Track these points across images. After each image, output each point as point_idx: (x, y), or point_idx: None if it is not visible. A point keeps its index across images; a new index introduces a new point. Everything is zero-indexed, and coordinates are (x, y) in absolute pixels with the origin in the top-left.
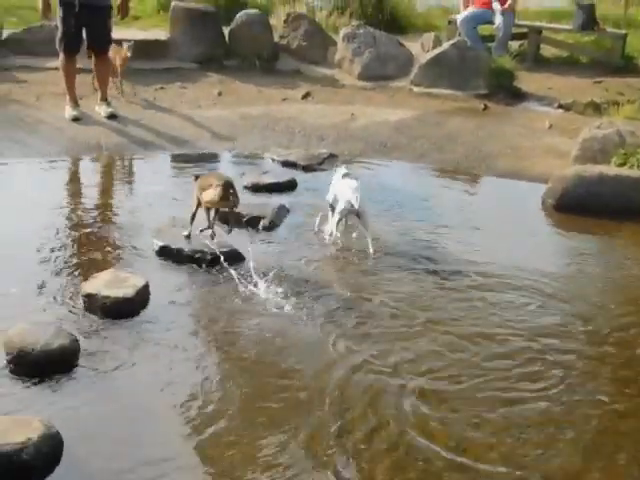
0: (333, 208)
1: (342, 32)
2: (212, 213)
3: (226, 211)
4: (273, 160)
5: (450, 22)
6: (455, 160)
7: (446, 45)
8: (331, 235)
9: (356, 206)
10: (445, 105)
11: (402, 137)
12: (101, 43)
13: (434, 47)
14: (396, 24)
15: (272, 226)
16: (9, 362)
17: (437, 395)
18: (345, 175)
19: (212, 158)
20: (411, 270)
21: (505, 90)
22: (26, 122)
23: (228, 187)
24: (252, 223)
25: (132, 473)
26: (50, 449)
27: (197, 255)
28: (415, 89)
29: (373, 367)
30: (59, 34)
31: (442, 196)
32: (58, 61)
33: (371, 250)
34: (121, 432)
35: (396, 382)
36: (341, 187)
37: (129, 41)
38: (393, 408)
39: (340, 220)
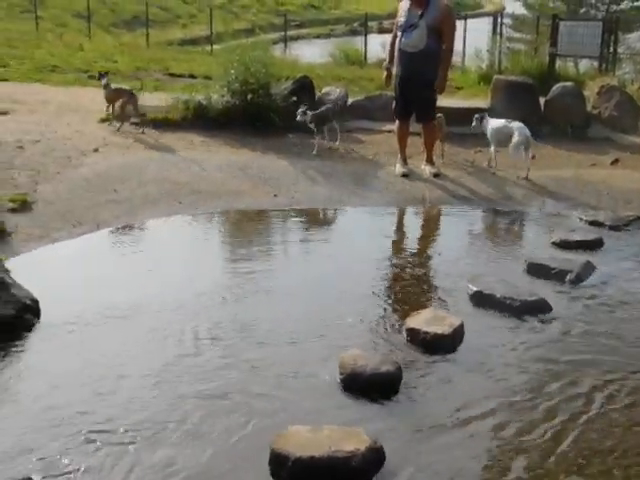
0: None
1: None
2: None
3: None
4: (580, 219)
5: None
6: None
7: None
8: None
9: (530, 137)
10: None
11: None
12: (424, 113)
13: None
14: None
15: (578, 280)
16: (342, 380)
17: None
18: (508, 120)
19: (521, 215)
20: None
21: None
22: (363, 176)
23: None
24: (559, 276)
25: None
26: (374, 461)
27: (507, 302)
28: None
29: None
30: (394, 102)
31: None
32: (393, 125)
33: (529, 162)
34: (438, 458)
35: None
36: (512, 127)
37: (439, 115)
38: None
39: (518, 148)
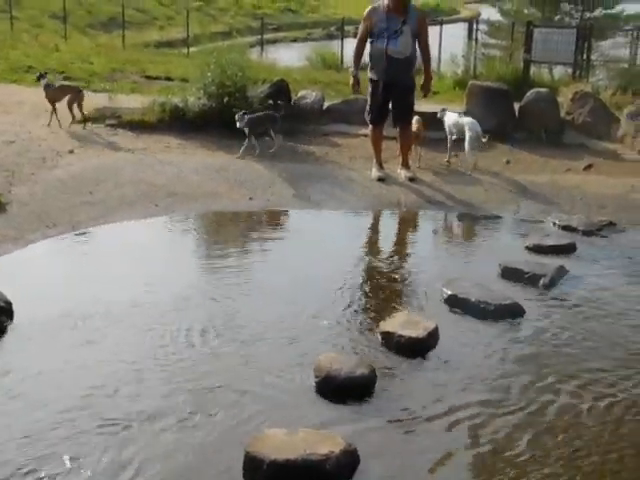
0: (452, 137)
1: (626, 110)
2: None
3: None
4: (554, 224)
5: None
6: None
7: None
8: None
9: (480, 133)
10: None
11: None
12: (403, 117)
13: None
14: None
15: (551, 284)
16: (317, 383)
17: None
18: (460, 114)
19: (496, 219)
20: None
21: None
22: (339, 179)
23: None
24: (533, 280)
25: None
26: (348, 464)
27: (482, 305)
28: None
29: None
30: (367, 107)
31: None
32: (367, 129)
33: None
34: (412, 460)
35: None
36: (462, 122)
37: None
38: None
39: (472, 146)
